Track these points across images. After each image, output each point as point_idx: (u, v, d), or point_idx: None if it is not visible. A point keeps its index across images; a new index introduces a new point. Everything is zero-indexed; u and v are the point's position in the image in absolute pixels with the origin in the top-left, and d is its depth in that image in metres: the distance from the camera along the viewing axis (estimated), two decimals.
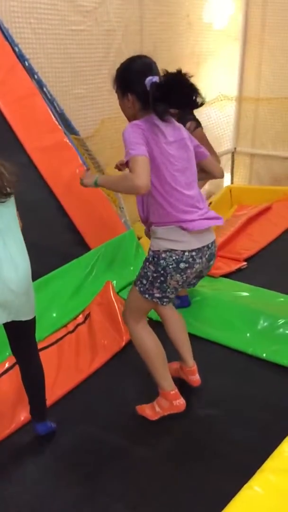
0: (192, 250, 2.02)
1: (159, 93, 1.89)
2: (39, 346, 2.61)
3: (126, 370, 2.62)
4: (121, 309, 2.88)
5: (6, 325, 1.95)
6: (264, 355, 2.67)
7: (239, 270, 3.69)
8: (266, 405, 2.36)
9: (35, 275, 2.87)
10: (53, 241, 3.17)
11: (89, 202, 3.43)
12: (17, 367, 2.19)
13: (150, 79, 1.91)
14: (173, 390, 2.26)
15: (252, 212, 4.71)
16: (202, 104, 1.93)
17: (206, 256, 2.09)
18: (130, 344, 2.73)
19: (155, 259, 2.05)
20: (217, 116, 5.97)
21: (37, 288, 2.81)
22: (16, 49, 3.63)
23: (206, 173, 2.28)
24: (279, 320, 2.84)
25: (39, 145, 3.35)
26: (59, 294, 2.91)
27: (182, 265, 2.02)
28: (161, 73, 1.95)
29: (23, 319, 1.93)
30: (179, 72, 1.89)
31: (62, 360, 2.59)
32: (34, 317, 1.99)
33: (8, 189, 1.78)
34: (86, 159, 3.92)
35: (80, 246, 3.27)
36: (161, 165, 1.96)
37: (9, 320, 1.90)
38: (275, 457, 1.67)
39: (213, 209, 5.30)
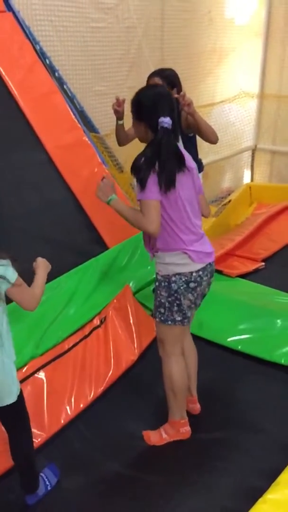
0: (199, 270, 2.11)
1: (166, 138, 1.97)
2: (57, 351, 2.61)
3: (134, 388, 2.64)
4: (137, 318, 2.88)
5: None
6: (283, 360, 2.67)
7: (256, 270, 3.67)
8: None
9: (53, 273, 2.92)
10: (71, 239, 3.18)
11: None
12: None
13: (162, 121, 1.96)
14: (183, 419, 2.31)
15: (271, 211, 4.67)
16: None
17: (209, 272, 2.17)
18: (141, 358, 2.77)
19: (166, 283, 2.11)
20: (237, 113, 5.92)
21: (54, 286, 2.85)
22: (37, 47, 3.64)
23: None
24: None
25: (58, 143, 3.36)
26: (76, 293, 2.92)
27: (192, 284, 2.11)
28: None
29: None
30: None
31: (75, 373, 2.57)
32: (15, 403, 1.83)
33: None
34: (105, 157, 3.93)
35: (98, 244, 3.28)
36: (172, 194, 1.99)
37: None
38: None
39: (232, 207, 5.25)
